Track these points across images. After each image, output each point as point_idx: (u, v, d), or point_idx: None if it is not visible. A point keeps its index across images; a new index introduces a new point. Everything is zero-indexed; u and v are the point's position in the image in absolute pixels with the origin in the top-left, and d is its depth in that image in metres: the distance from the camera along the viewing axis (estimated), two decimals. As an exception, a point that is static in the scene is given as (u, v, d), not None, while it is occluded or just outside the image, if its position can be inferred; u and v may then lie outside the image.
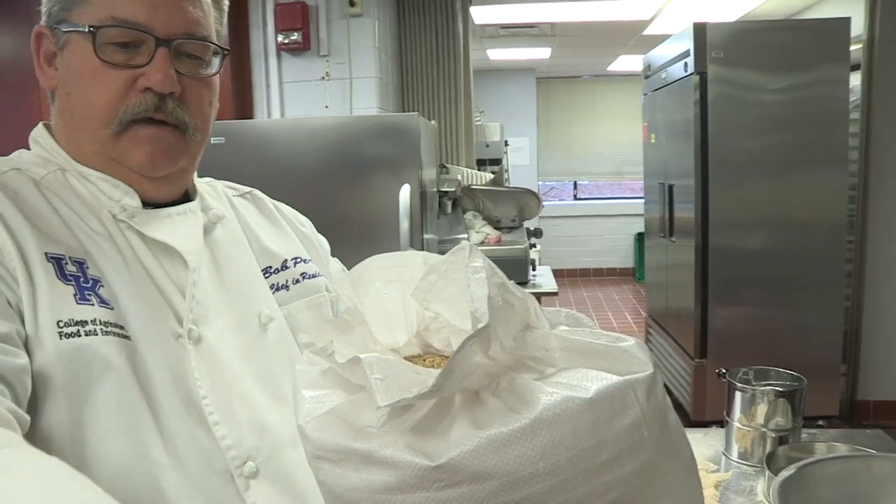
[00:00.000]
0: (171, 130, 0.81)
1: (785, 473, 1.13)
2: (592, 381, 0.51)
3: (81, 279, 0.74)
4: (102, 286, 0.75)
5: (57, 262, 0.73)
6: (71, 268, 0.74)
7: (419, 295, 0.56)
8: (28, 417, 0.66)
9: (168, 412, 0.76)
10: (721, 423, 1.56)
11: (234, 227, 0.94)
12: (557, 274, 3.91)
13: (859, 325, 3.87)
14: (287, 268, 0.96)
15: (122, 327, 0.75)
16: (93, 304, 0.73)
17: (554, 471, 0.49)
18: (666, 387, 0.59)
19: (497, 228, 3.40)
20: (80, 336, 0.71)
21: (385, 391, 0.47)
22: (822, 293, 3.60)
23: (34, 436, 0.68)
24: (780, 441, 1.47)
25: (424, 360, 0.60)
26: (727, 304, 3.69)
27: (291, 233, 1.02)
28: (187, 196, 0.90)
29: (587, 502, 0.50)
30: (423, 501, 0.50)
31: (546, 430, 0.49)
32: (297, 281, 0.96)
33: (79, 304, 0.72)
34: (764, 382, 1.53)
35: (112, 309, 0.75)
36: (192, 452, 0.76)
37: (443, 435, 0.50)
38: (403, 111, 4.11)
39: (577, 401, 0.50)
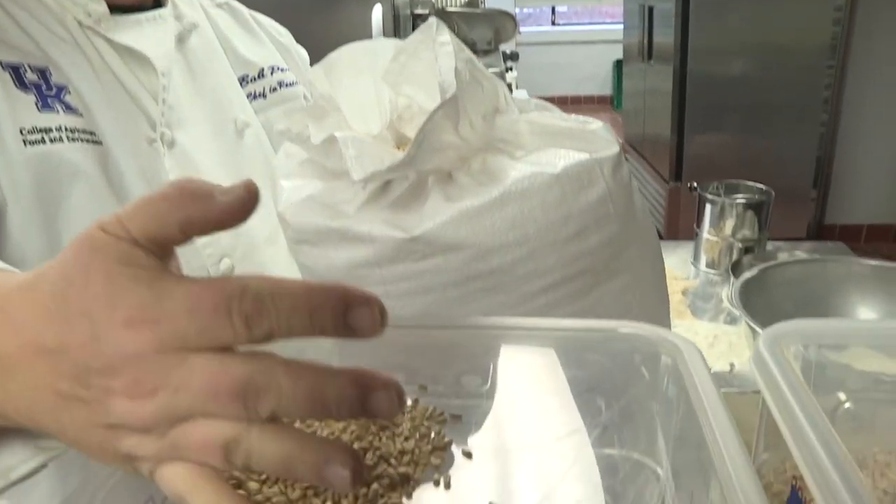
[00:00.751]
0: None
1: (746, 275, 1.18)
2: (560, 159, 0.53)
3: (43, 87, 0.72)
4: (69, 93, 0.74)
5: (14, 70, 0.71)
6: (31, 76, 0.72)
7: (390, 78, 0.57)
8: None
9: None
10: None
11: (209, 36, 0.92)
12: (535, 102, 3.87)
13: (832, 152, 3.92)
14: (264, 76, 0.95)
15: (92, 133, 0.74)
16: (57, 112, 0.72)
17: (523, 241, 0.51)
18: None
19: (473, 52, 3.32)
20: (44, 143, 0.69)
21: (360, 166, 0.48)
22: (799, 120, 3.61)
23: (7, 247, 0.69)
24: (746, 251, 1.53)
25: (398, 150, 0.61)
26: (704, 131, 3.70)
27: (268, 42, 1.01)
28: (159, 3, 0.87)
29: (556, 271, 0.53)
30: (400, 273, 0.53)
31: (515, 202, 0.51)
32: (274, 89, 0.95)
33: (41, 111, 0.71)
34: (734, 196, 1.57)
35: (80, 115, 0.74)
36: None
37: (417, 210, 0.52)
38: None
39: (545, 175, 0.52)
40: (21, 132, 0.69)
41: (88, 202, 0.72)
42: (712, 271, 1.56)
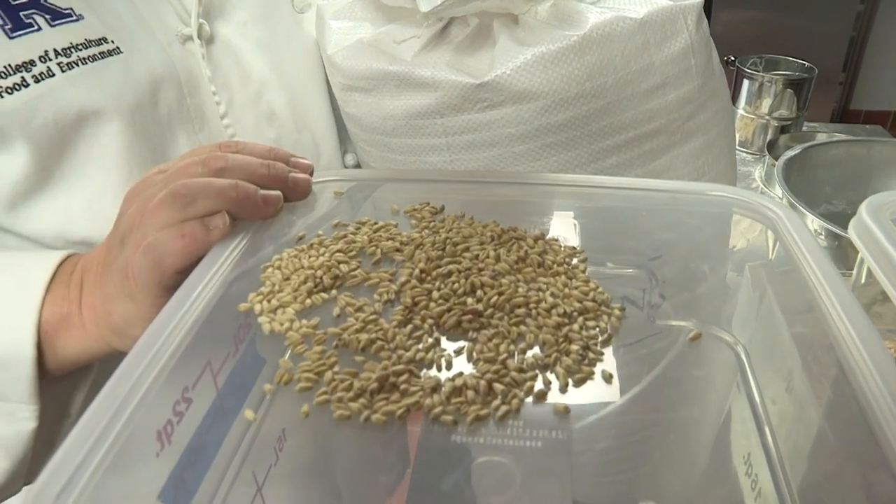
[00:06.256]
0: None
1: (789, 154, 1.14)
2: (642, 5, 0.48)
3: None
4: None
5: None
6: None
7: None
8: None
9: (180, 145, 0.56)
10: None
11: None
12: None
13: (867, 33, 3.76)
14: None
15: (101, 40, 0.51)
16: (36, 30, 0.48)
17: (600, 93, 0.47)
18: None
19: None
20: (26, 86, 0.47)
21: (429, -3, 0.44)
22: (835, -5, 3.44)
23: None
24: (782, 130, 1.48)
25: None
26: (731, 6, 3.54)
27: None
28: None
29: (630, 129, 0.49)
30: (464, 123, 0.49)
31: (595, 49, 0.46)
32: None
33: (12, 37, 0.48)
34: (773, 72, 1.51)
35: (80, 17, 0.50)
36: None
37: (486, 54, 0.48)
38: None
39: (628, 21, 0.47)
40: None
41: (103, 149, 0.51)
42: (746, 151, 1.51)
